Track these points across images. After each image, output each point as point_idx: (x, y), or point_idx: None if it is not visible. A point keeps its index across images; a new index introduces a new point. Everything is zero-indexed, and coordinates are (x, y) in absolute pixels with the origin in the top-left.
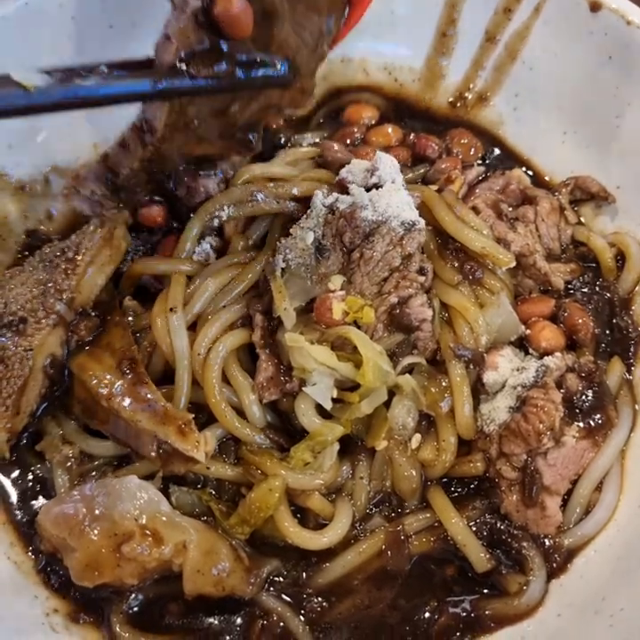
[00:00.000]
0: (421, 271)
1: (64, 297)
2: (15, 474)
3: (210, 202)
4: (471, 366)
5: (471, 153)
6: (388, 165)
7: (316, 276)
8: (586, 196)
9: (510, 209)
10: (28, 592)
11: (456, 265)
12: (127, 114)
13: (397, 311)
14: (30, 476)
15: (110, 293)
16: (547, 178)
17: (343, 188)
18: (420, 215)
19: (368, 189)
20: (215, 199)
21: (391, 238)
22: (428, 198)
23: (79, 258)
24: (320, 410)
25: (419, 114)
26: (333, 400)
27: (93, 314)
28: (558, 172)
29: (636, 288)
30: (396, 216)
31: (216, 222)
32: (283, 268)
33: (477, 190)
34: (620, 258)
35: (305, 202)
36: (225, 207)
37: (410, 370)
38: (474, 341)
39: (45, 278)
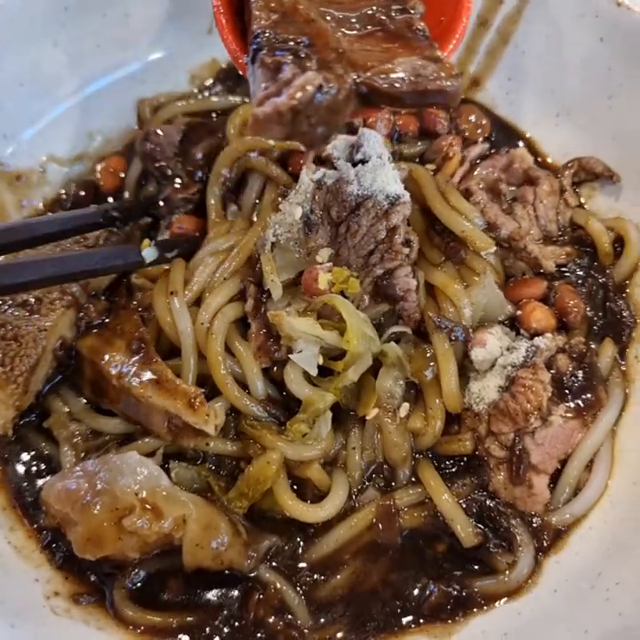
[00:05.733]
0: (407, 243)
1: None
2: (19, 454)
3: (215, 166)
4: (453, 338)
5: (478, 130)
6: (372, 141)
7: (304, 250)
8: (590, 176)
9: (512, 188)
10: (29, 576)
11: (441, 246)
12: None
13: (383, 282)
14: (35, 454)
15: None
16: (549, 160)
17: (330, 164)
18: (411, 195)
19: (354, 164)
20: (218, 162)
21: (376, 212)
22: (420, 178)
23: (95, 245)
24: (312, 382)
25: None
26: (322, 373)
27: (103, 297)
28: (554, 153)
29: (632, 274)
30: (382, 190)
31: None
32: (273, 243)
33: (479, 168)
34: (620, 243)
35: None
36: (225, 168)
37: (397, 340)
38: (457, 316)
39: None
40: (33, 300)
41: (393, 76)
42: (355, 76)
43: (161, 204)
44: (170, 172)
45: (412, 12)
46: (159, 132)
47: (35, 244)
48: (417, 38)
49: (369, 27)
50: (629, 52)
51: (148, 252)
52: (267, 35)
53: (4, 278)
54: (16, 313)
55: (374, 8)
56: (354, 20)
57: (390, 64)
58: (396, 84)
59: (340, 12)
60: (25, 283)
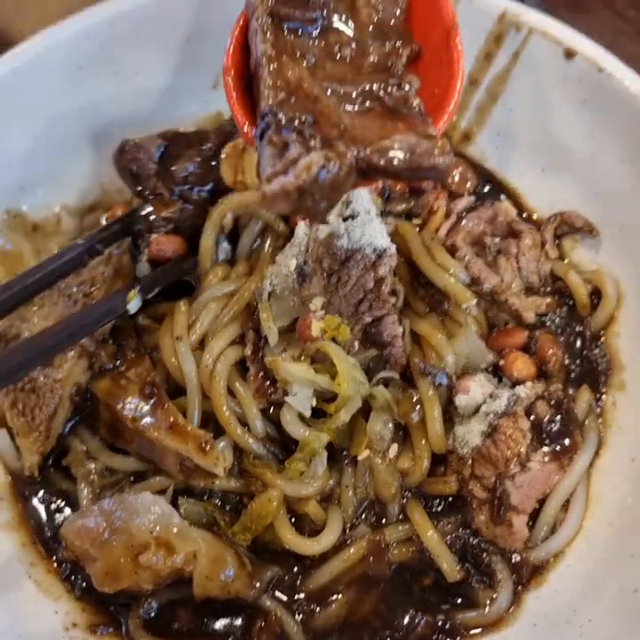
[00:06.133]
0: (393, 293)
1: None
2: (38, 490)
3: (217, 208)
4: (436, 383)
5: (464, 184)
6: (360, 198)
7: (298, 299)
8: (571, 230)
9: (497, 240)
10: (49, 609)
11: (426, 297)
12: None
13: (371, 329)
14: (53, 491)
15: (125, 318)
16: (534, 216)
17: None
18: (397, 249)
19: (345, 219)
20: (224, 204)
21: (365, 263)
22: (406, 234)
23: (94, 291)
24: (307, 423)
25: None
26: (317, 415)
27: (111, 341)
28: (540, 206)
29: (608, 325)
30: (369, 243)
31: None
32: (270, 292)
33: (465, 220)
34: (598, 294)
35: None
36: (229, 212)
37: (385, 384)
38: (441, 363)
39: (66, 312)
40: None
41: (390, 153)
42: (355, 153)
43: (150, 208)
44: (149, 193)
45: (408, 87)
46: (137, 143)
47: (32, 296)
48: (412, 114)
49: (368, 102)
50: (610, 114)
51: (134, 305)
52: (274, 113)
53: None
54: None
55: (373, 83)
56: (354, 96)
57: (388, 141)
58: (393, 162)
59: (341, 87)
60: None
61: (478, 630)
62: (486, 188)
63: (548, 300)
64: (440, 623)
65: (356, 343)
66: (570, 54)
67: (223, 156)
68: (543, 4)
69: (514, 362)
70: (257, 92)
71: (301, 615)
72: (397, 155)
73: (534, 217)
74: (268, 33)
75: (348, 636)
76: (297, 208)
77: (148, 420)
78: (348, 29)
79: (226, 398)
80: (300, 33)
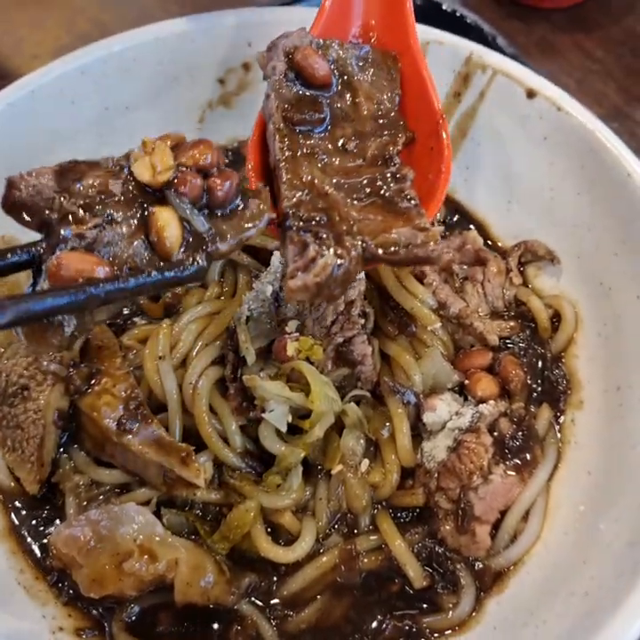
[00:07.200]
0: (363, 314)
1: (54, 357)
2: (28, 502)
3: None
4: (404, 401)
5: (434, 215)
6: None
7: (274, 322)
8: (534, 258)
9: (465, 267)
10: (37, 613)
11: (395, 320)
12: None
13: (343, 348)
14: (41, 503)
15: (110, 339)
16: (500, 244)
17: None
18: (368, 275)
19: None
20: None
21: None
22: None
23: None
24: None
25: None
26: (292, 431)
27: (83, 365)
28: (505, 235)
29: (567, 347)
30: None
31: None
32: (248, 316)
33: None
34: (558, 318)
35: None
36: None
37: (357, 402)
38: (409, 382)
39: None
40: (20, 389)
41: (392, 248)
42: (362, 244)
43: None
44: (56, 216)
45: (404, 179)
46: (28, 173)
47: None
48: (409, 207)
49: (370, 196)
50: (568, 150)
51: None
52: (293, 214)
53: None
54: (15, 403)
55: (374, 175)
56: (359, 187)
57: (388, 234)
58: (394, 254)
59: (347, 180)
60: None
61: (442, 634)
62: (455, 218)
63: (512, 323)
64: (406, 628)
65: (329, 362)
66: (531, 94)
67: (132, 160)
68: (513, 46)
69: (478, 382)
70: (277, 185)
71: (276, 620)
72: (397, 248)
73: (500, 245)
74: (285, 137)
75: None
76: (316, 296)
77: (132, 434)
78: (351, 123)
79: (208, 415)
80: (310, 134)
